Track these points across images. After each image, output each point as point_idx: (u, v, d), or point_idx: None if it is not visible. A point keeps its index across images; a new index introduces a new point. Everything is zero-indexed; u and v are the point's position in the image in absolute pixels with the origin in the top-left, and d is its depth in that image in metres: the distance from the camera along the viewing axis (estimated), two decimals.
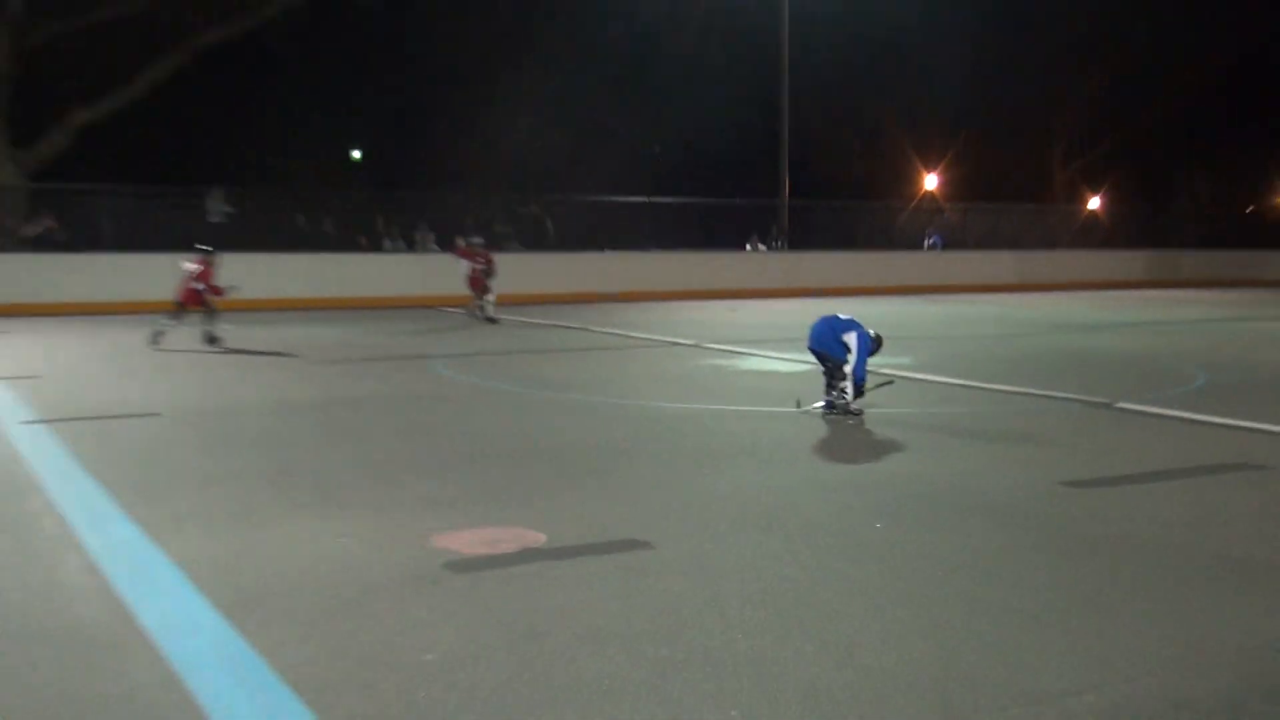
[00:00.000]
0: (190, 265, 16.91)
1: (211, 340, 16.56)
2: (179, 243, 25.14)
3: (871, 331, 10.46)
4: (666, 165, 38.22)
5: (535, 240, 29.95)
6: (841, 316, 10.64)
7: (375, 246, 28.83)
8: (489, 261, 21.99)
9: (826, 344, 10.50)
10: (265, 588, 5.63)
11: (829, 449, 9.30)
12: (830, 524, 7.03)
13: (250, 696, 4.34)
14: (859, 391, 10.40)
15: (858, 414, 10.43)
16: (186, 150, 35.59)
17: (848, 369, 10.32)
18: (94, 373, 13.92)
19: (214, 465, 8.52)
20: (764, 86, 32.38)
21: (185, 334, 16.64)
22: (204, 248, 17.24)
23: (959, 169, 44.66)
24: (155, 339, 16.41)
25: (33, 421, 10.21)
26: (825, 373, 10.59)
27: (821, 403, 10.60)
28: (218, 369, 14.27)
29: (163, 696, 4.32)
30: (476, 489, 7.79)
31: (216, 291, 16.78)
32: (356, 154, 47.16)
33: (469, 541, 6.43)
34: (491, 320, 21.38)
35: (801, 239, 31.61)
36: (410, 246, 28.93)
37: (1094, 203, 44.24)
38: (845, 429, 10.08)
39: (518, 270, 27.31)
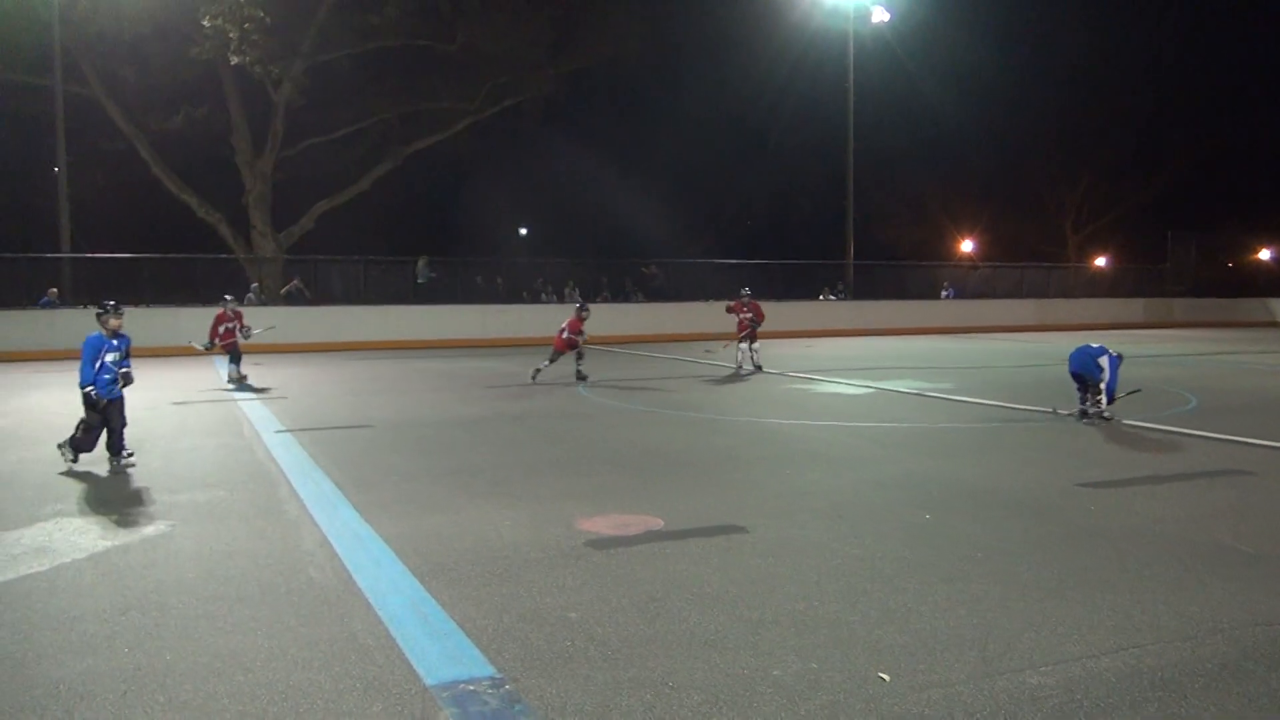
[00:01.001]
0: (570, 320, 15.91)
1: (581, 377, 15.56)
2: (393, 298, 25.96)
3: (1117, 353, 10.84)
4: (758, 233, 38.06)
5: (655, 294, 30.00)
6: (1093, 345, 10.86)
7: (534, 299, 29.23)
8: (757, 312, 17.58)
9: (1087, 367, 10.77)
10: (449, 559, 5.66)
11: (887, 455, 9.03)
12: (888, 515, 6.81)
13: (437, 641, 4.34)
14: (1111, 399, 10.73)
15: (1109, 419, 10.73)
16: (398, 228, 36.64)
17: (1103, 385, 10.63)
18: (326, 395, 14.30)
19: (411, 464, 8.65)
20: (835, 167, 32.06)
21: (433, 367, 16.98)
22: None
23: (990, 235, 43.52)
24: (534, 376, 15.53)
25: (282, 431, 10.52)
26: (1079, 388, 10.99)
27: (1077, 410, 11.02)
28: (416, 392, 14.55)
29: (373, 640, 4.36)
30: (612, 485, 7.74)
31: (576, 330, 15.74)
32: (523, 230, 48.02)
33: (605, 525, 6.38)
34: (758, 368, 17.34)
35: (864, 291, 31.07)
36: (561, 299, 29.26)
37: (1100, 260, 42.67)
38: (894, 437, 9.79)
39: (643, 317, 27.40)
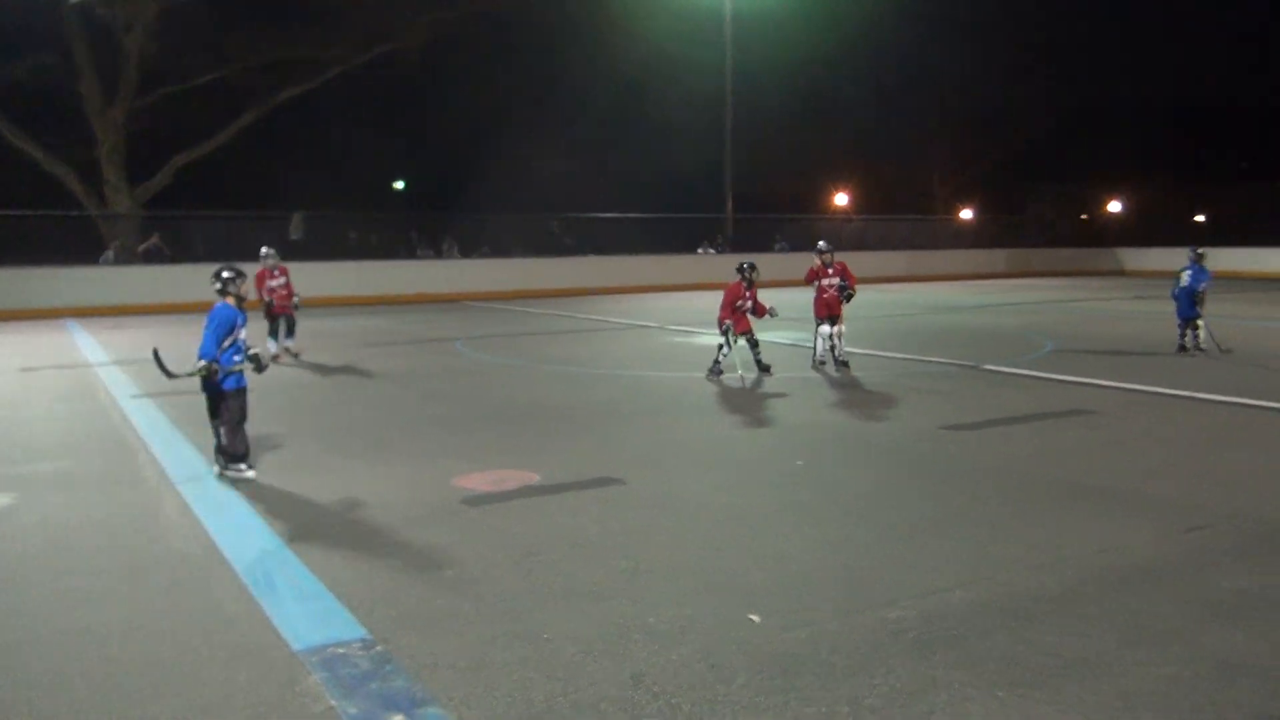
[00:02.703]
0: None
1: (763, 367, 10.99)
2: (257, 255, 24.97)
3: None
4: (642, 188, 37.97)
5: (543, 249, 29.68)
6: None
7: (410, 255, 28.53)
8: (846, 275, 11.48)
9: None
10: (320, 521, 5.53)
11: (759, 403, 9.23)
12: (762, 463, 6.97)
13: (305, 605, 4.24)
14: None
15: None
16: (264, 182, 35.10)
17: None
18: (189, 357, 13.65)
19: (282, 426, 8.37)
20: (714, 120, 32.20)
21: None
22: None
23: (864, 188, 44.64)
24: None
25: (140, 396, 10.02)
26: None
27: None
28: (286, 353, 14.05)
29: (238, 608, 4.23)
30: (489, 441, 7.68)
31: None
32: (399, 184, 46.65)
33: (480, 481, 6.33)
34: (843, 364, 11.37)
35: (744, 244, 31.50)
36: (438, 254, 28.64)
37: (966, 213, 44.35)
38: (771, 386, 10.01)
39: (529, 272, 27.10)
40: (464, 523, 5.46)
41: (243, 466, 6.53)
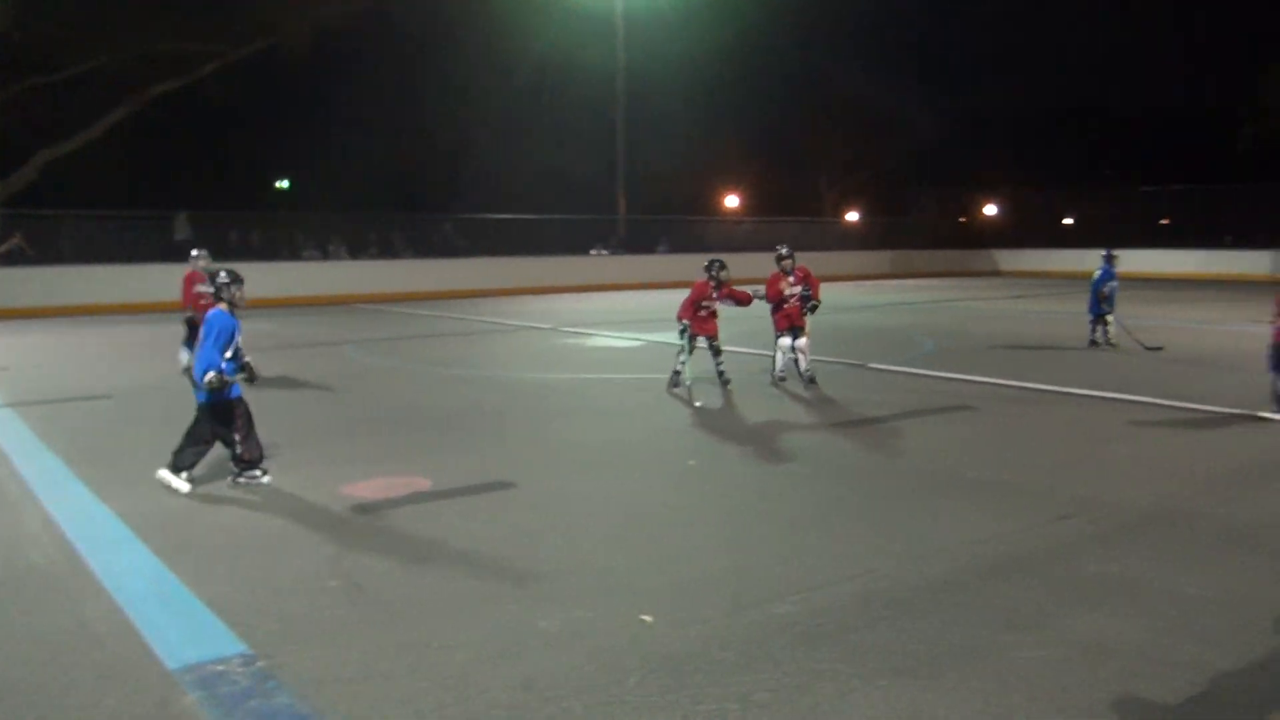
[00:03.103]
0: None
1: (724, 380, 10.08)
2: (132, 257, 23.86)
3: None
4: (536, 189, 37.70)
5: (433, 250, 29.14)
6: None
7: (295, 256, 27.64)
8: (810, 282, 10.62)
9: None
10: (199, 534, 5.31)
11: (656, 405, 9.28)
12: (654, 463, 7.02)
13: (181, 622, 4.06)
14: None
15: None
16: (140, 181, 33.55)
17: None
18: (56, 365, 12.96)
19: (157, 437, 7.94)
20: (610, 126, 32.26)
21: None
22: None
23: (755, 191, 45.38)
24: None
25: (0, 406, 9.45)
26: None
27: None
28: (165, 358, 13.44)
29: (107, 627, 4.02)
30: (378, 447, 7.51)
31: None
32: (284, 183, 45.21)
33: (369, 489, 6.18)
34: (810, 381, 10.32)
35: (637, 245, 31.67)
36: (325, 256, 27.86)
37: (852, 216, 45.59)
38: (667, 390, 10.08)
39: (419, 273, 26.62)
40: (351, 531, 5.32)
41: (257, 472, 6.34)
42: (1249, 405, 8.66)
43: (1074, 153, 45.28)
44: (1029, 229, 40.68)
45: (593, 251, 31.71)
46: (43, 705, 3.35)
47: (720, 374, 9.93)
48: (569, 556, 4.88)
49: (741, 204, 44.89)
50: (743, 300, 10.20)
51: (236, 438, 6.23)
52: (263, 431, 7.80)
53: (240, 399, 6.32)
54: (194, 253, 11.74)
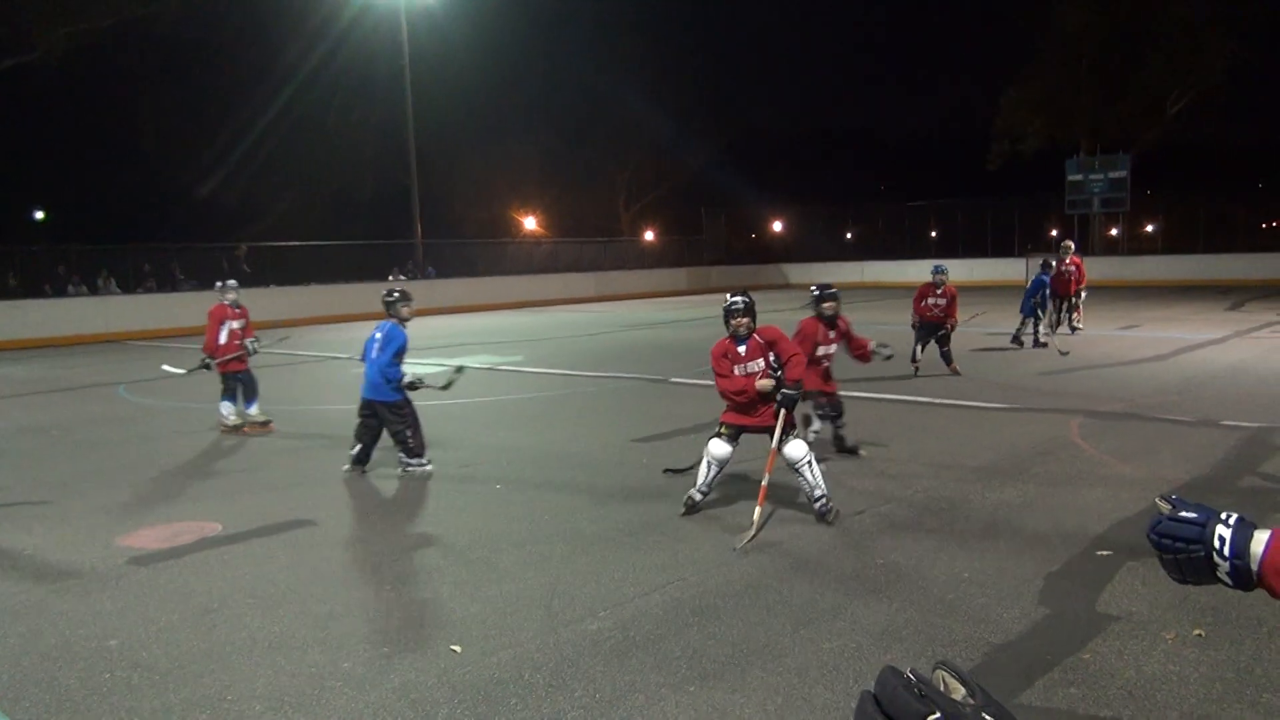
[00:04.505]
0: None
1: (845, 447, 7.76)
2: None
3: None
4: (330, 215, 36.36)
5: (214, 280, 27.53)
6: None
7: (59, 292, 25.39)
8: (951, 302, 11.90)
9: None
10: None
11: (460, 430, 9.15)
12: (460, 490, 6.92)
13: None
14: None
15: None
16: None
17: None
18: None
19: None
20: (398, 146, 31.61)
21: None
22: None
23: (554, 212, 45.74)
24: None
25: None
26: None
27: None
28: None
29: None
30: (158, 493, 7.01)
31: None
32: (39, 214, 41.48)
33: (151, 538, 5.77)
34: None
35: (437, 270, 31.20)
36: (93, 291, 25.76)
37: (649, 235, 46.80)
38: (474, 411, 9.97)
39: (196, 306, 25.04)
40: (131, 585, 4.95)
41: (424, 460, 7.25)
42: (1018, 401, 9.52)
43: (850, 171, 48.46)
44: (814, 244, 43.07)
45: (391, 277, 30.97)
46: None
47: (840, 437, 7.58)
48: (375, 592, 4.75)
49: (540, 225, 45.13)
50: (861, 353, 7.85)
51: (409, 432, 7.18)
52: (18, 485, 7.17)
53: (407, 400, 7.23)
54: (220, 284, 9.98)
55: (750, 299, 6.05)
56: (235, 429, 9.41)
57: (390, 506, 6.50)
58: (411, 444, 7.20)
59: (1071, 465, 6.96)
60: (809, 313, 7.70)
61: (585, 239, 40.02)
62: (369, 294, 28.43)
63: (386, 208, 35.11)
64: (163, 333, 23.10)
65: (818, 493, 5.70)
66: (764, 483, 5.64)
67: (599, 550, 5.32)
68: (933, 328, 11.94)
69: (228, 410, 9.47)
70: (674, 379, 12.15)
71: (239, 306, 9.79)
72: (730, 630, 4.12)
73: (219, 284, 10.06)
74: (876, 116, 48.48)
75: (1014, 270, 32.14)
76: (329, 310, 26.64)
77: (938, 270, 12.20)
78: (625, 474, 7.17)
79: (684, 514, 5.90)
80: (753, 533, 5.36)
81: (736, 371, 5.95)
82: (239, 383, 9.55)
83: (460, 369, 8.11)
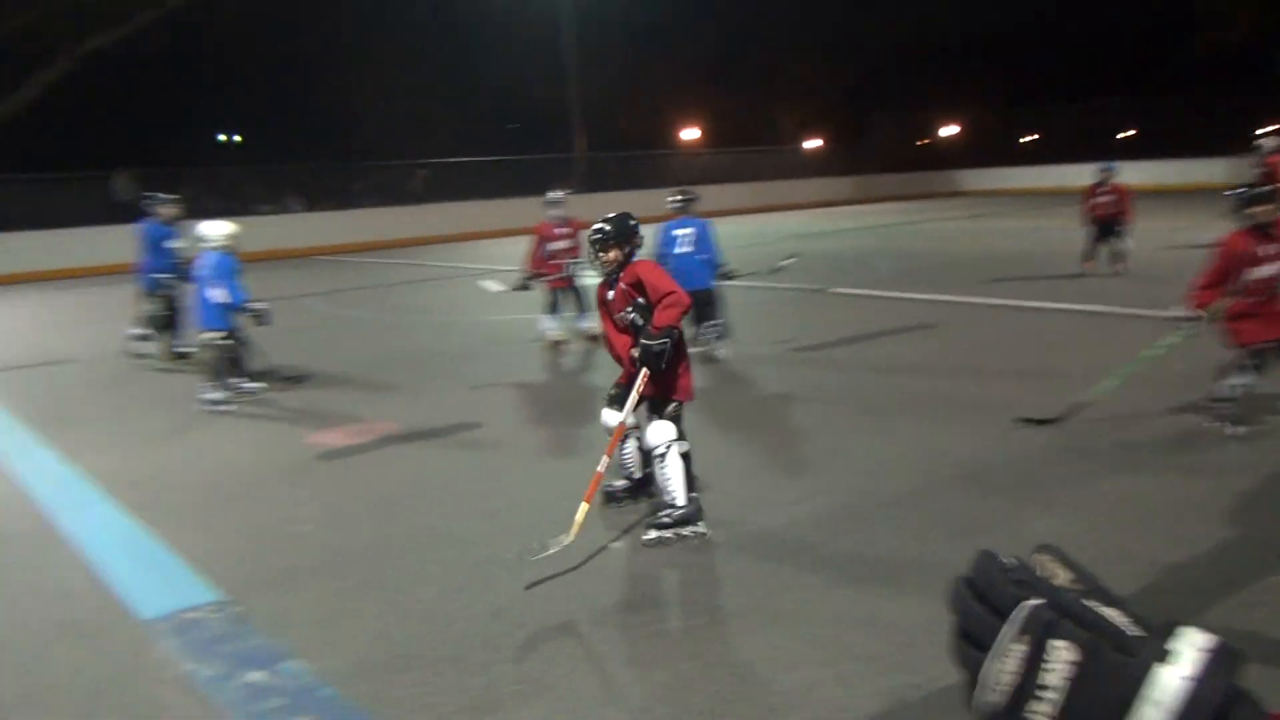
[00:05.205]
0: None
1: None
2: (80, 219, 23.32)
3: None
4: (484, 132, 37.11)
5: (391, 198, 28.72)
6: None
7: (248, 211, 27.11)
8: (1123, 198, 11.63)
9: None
10: (169, 490, 5.32)
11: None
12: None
13: (153, 574, 4.11)
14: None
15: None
16: (77, 141, 32.68)
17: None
18: (16, 330, 12.78)
19: (124, 398, 7.97)
20: (559, 62, 31.74)
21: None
22: None
23: (713, 122, 45.00)
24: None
25: None
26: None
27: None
28: (110, 320, 13.22)
29: (79, 584, 4.06)
30: (346, 395, 7.51)
31: None
32: (230, 137, 44.17)
33: (337, 436, 6.22)
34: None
35: (594, 184, 31.43)
36: (280, 209, 27.38)
37: (812, 142, 45.42)
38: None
39: (377, 223, 26.29)
40: (320, 478, 5.37)
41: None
42: None
43: (1027, 71, 45.19)
44: (988, 148, 40.77)
45: (550, 193, 31.43)
46: (22, 661, 3.40)
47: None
48: (532, 492, 4.96)
49: (701, 136, 44.55)
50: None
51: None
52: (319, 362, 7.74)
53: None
54: (551, 195, 9.31)
55: (619, 224, 4.43)
56: (557, 344, 8.90)
57: (548, 415, 6.72)
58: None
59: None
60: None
61: (746, 149, 39.28)
62: (530, 209, 29.11)
63: (546, 123, 35.45)
64: (344, 248, 24.40)
65: (665, 498, 4.22)
66: (600, 468, 4.14)
67: (755, 455, 5.37)
68: (1106, 227, 11.61)
69: (551, 324, 8.96)
70: (836, 289, 11.92)
71: (565, 223, 9.11)
72: (884, 539, 4.09)
73: (547, 195, 9.34)
74: (1056, 8, 44.68)
75: (1215, 172, 29.53)
76: (489, 225, 27.35)
77: (1104, 169, 11.65)
78: (783, 383, 7.15)
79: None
80: (568, 538, 3.91)
81: (617, 324, 4.42)
82: (571, 295, 8.94)
83: (793, 255, 8.74)
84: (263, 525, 4.65)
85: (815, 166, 40.61)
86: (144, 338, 9.49)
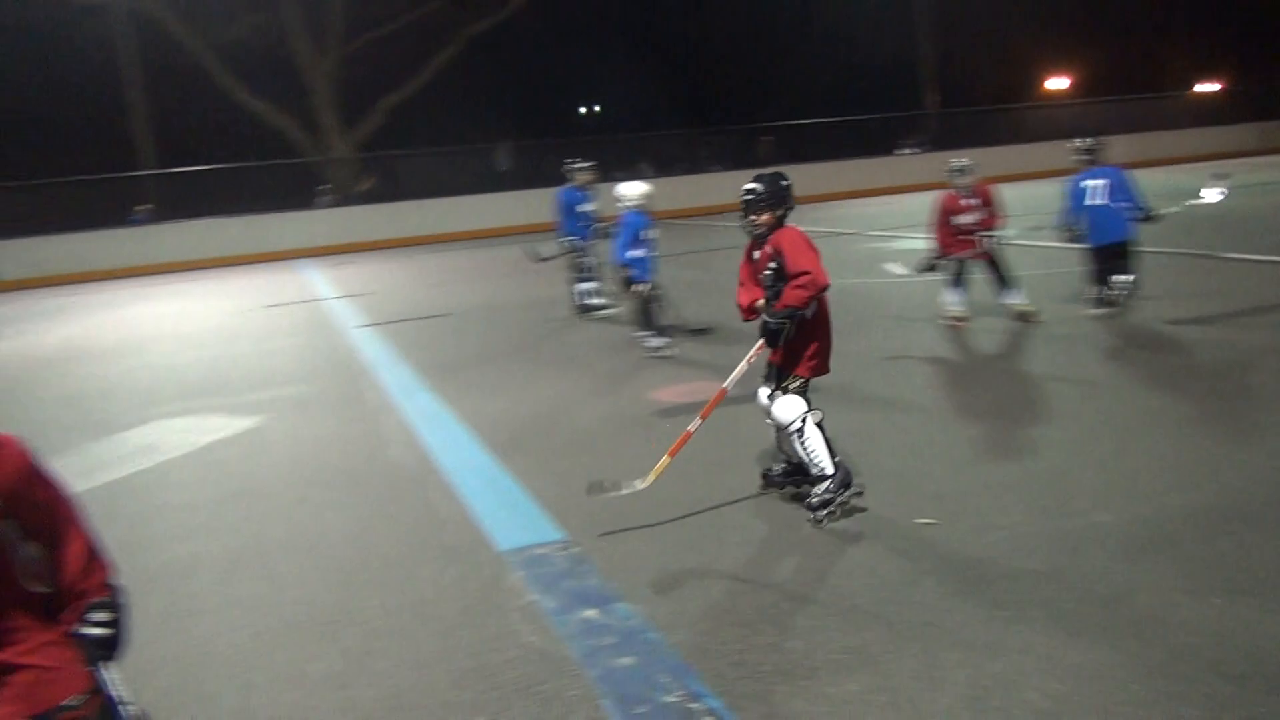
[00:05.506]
0: None
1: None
2: (470, 188, 25.90)
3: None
4: (823, 90, 36.53)
5: (733, 162, 29.31)
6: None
7: (606, 179, 28.86)
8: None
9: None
10: (522, 435, 5.85)
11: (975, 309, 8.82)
12: (974, 368, 6.73)
13: (510, 511, 4.54)
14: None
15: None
16: (464, 117, 36.52)
17: None
18: (405, 288, 14.62)
19: (488, 348, 8.86)
20: (904, 11, 30.49)
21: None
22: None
23: (1081, 69, 40.99)
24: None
25: (363, 325, 10.85)
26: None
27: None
28: (495, 279, 14.70)
29: (450, 513, 4.58)
30: (689, 355, 7.78)
31: None
32: (594, 108, 47.21)
33: (675, 394, 6.49)
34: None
35: (944, 141, 29.87)
36: (635, 176, 28.89)
37: (1206, 87, 39.92)
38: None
39: (722, 186, 26.95)
40: (656, 434, 5.62)
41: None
42: None
43: None
44: None
45: (897, 151, 30.37)
46: (399, 575, 3.91)
47: None
48: (879, 459, 4.86)
49: (1069, 84, 40.74)
50: None
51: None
52: (575, 344, 8.36)
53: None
54: (956, 164, 8.14)
55: (773, 186, 4.22)
56: (958, 320, 8.12)
57: (892, 373, 6.54)
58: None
59: None
60: None
61: (1121, 97, 35.38)
62: (877, 169, 28.25)
63: (891, 78, 34.19)
64: (689, 211, 25.24)
65: (814, 472, 4.14)
66: (691, 428, 4.33)
67: (1113, 438, 4.88)
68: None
69: (954, 299, 8.18)
70: (1226, 254, 10.46)
71: (973, 193, 8.06)
72: (1274, 544, 3.55)
73: (951, 164, 8.20)
74: None
75: None
76: (840, 186, 26.91)
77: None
78: (1152, 359, 6.43)
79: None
80: (643, 484, 4.22)
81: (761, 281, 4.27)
82: (989, 268, 8.07)
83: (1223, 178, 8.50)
84: (602, 474, 4.94)
85: (1210, 112, 35.68)
86: (590, 294, 10.21)
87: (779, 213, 4.22)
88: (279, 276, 18.13)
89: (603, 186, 10.49)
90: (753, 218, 4.24)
